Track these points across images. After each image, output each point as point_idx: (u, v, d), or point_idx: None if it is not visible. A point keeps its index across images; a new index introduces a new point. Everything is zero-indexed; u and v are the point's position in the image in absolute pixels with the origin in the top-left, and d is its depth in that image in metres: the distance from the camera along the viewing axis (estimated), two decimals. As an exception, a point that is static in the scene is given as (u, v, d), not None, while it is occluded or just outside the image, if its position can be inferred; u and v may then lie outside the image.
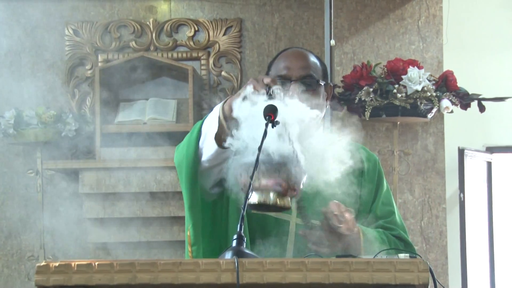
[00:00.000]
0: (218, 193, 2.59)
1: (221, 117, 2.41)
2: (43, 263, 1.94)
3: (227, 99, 2.46)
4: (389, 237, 2.65)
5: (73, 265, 1.92)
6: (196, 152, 2.51)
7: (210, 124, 2.48)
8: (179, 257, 4.60)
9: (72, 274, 1.92)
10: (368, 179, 2.74)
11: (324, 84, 2.76)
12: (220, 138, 2.44)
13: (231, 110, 2.38)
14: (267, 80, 2.35)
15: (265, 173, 2.26)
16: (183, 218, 2.61)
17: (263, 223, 2.58)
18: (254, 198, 2.23)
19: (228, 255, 2.00)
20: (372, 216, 2.71)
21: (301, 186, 2.31)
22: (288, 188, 2.27)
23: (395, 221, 2.74)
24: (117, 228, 4.84)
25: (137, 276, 1.92)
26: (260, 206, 2.26)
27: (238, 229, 2.09)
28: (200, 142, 2.51)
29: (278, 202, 2.27)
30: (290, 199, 2.29)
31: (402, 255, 2.12)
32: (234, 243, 2.06)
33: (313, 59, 2.76)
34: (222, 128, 2.42)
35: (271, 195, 2.26)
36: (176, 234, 4.82)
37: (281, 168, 2.26)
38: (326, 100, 2.81)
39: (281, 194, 2.27)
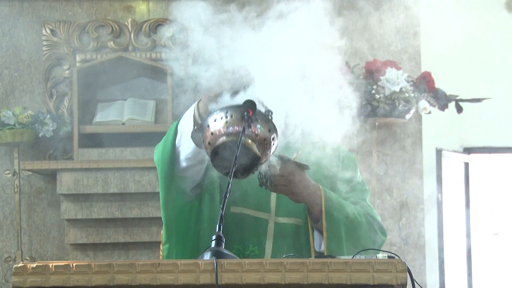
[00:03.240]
0: (197, 194, 2.58)
1: (196, 115, 2.41)
2: (20, 265, 1.93)
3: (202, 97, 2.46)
4: (357, 208, 2.65)
5: (50, 266, 1.91)
6: (173, 151, 2.51)
7: (186, 122, 2.48)
8: (157, 258, 4.58)
9: (50, 275, 1.91)
10: (346, 162, 2.76)
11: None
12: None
13: (206, 108, 2.38)
14: None
15: (236, 120, 2.24)
16: (161, 219, 2.60)
17: (242, 223, 2.58)
18: (221, 139, 2.21)
19: (207, 255, 2.00)
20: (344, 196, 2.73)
21: (272, 148, 2.29)
22: (258, 137, 2.24)
23: (365, 200, 2.75)
24: (95, 229, 4.82)
25: (115, 277, 1.91)
26: (227, 148, 2.20)
27: (217, 230, 2.09)
28: (176, 141, 2.51)
29: (247, 143, 2.21)
30: (262, 162, 2.26)
31: (380, 256, 2.13)
32: (213, 244, 2.05)
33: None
34: (198, 126, 2.41)
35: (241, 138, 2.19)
36: (154, 235, 4.81)
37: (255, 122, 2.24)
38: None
39: (251, 139, 2.23)
